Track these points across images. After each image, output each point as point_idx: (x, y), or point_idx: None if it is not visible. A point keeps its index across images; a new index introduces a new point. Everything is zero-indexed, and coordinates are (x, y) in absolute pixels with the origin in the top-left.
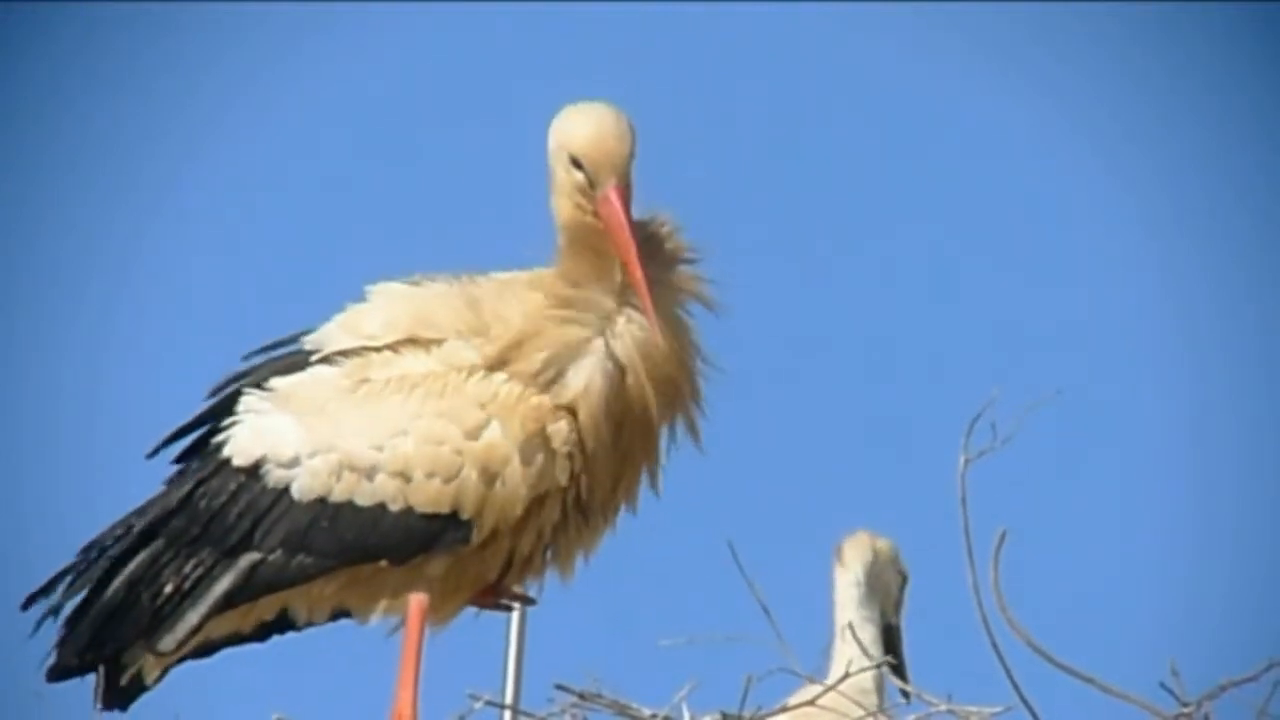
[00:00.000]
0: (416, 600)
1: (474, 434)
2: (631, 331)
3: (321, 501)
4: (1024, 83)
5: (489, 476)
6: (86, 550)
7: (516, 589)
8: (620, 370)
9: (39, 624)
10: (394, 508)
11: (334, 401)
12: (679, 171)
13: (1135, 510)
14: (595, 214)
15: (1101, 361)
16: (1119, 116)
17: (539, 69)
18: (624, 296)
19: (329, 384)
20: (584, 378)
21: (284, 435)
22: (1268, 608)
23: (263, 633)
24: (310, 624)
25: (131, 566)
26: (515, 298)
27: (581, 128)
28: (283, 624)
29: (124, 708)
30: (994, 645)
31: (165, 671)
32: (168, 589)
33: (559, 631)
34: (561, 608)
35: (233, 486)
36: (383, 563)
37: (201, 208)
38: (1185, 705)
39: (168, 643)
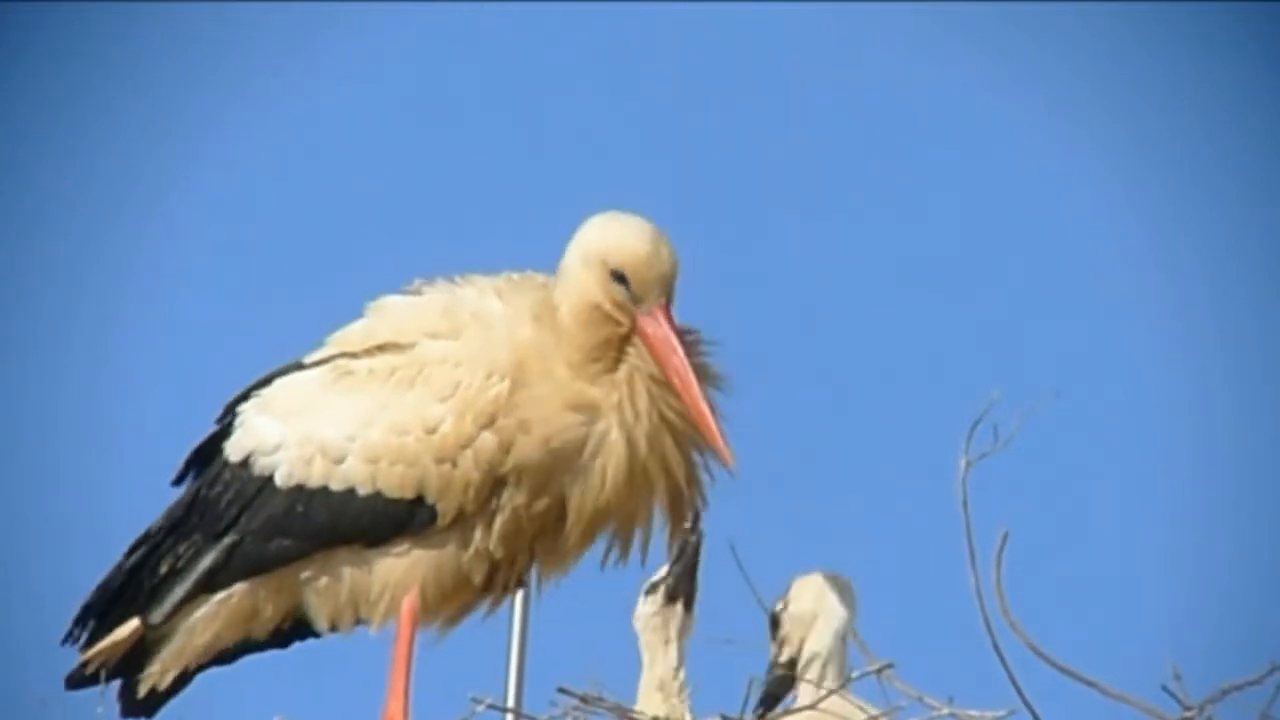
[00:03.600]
0: (407, 605)
1: (433, 427)
2: (621, 436)
3: (300, 488)
4: (1024, 83)
5: (445, 464)
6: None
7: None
8: (598, 471)
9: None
10: (363, 492)
11: (315, 396)
12: (678, 172)
13: (1137, 512)
14: (633, 329)
15: (1102, 362)
16: (1119, 116)
17: (538, 69)
18: (623, 392)
19: (312, 382)
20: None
21: (270, 428)
22: (1269, 610)
23: (282, 639)
24: (335, 629)
25: (135, 557)
26: (509, 309)
27: (632, 245)
28: (302, 630)
29: (150, 716)
30: (996, 648)
31: (182, 679)
32: (163, 569)
33: (561, 634)
34: (563, 610)
35: (227, 477)
36: (357, 545)
37: (203, 209)
38: (1187, 708)
39: (157, 615)
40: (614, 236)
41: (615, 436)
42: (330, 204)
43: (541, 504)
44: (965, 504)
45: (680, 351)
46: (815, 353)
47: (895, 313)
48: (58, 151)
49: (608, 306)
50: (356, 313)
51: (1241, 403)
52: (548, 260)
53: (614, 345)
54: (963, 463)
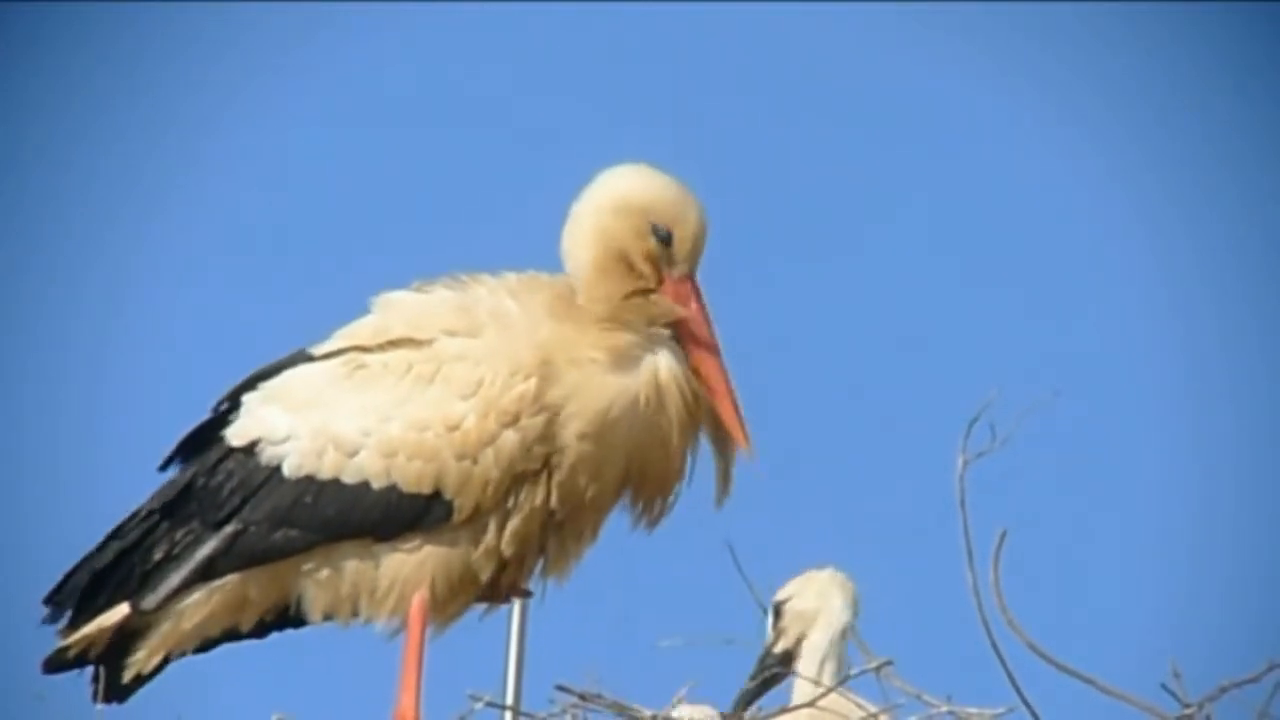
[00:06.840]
0: (418, 601)
1: (454, 424)
2: (666, 383)
3: (310, 479)
4: (1024, 83)
5: (466, 460)
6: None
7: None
8: (647, 417)
9: (52, 597)
10: (377, 486)
11: (327, 389)
12: (679, 171)
13: (1135, 511)
14: (658, 287)
15: (1102, 362)
16: (1119, 116)
17: (537, 69)
18: (658, 339)
19: (324, 373)
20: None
21: (278, 419)
22: (1268, 608)
23: (262, 630)
24: (329, 620)
25: (127, 538)
26: (524, 309)
27: (680, 205)
28: (283, 621)
29: (122, 700)
30: (994, 646)
31: (164, 664)
32: (157, 555)
33: (559, 632)
34: (562, 609)
35: (230, 465)
36: (365, 539)
37: (203, 209)
38: (1186, 706)
39: (149, 601)
40: (660, 191)
41: (665, 377)
42: (329, 203)
43: (613, 476)
44: (963, 502)
45: (713, 330)
46: (814, 352)
47: (894, 312)
48: (58, 151)
49: (636, 258)
50: (355, 312)
51: (1241, 403)
52: (543, 259)
53: (634, 297)
54: (960, 461)
